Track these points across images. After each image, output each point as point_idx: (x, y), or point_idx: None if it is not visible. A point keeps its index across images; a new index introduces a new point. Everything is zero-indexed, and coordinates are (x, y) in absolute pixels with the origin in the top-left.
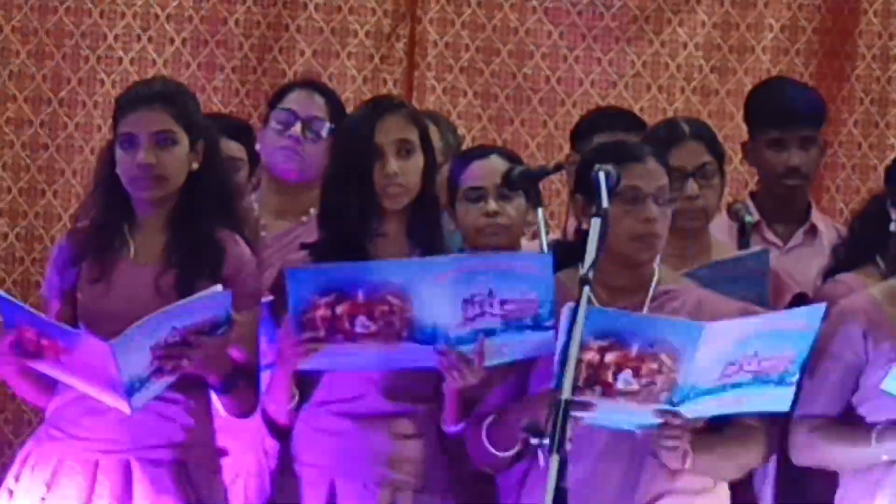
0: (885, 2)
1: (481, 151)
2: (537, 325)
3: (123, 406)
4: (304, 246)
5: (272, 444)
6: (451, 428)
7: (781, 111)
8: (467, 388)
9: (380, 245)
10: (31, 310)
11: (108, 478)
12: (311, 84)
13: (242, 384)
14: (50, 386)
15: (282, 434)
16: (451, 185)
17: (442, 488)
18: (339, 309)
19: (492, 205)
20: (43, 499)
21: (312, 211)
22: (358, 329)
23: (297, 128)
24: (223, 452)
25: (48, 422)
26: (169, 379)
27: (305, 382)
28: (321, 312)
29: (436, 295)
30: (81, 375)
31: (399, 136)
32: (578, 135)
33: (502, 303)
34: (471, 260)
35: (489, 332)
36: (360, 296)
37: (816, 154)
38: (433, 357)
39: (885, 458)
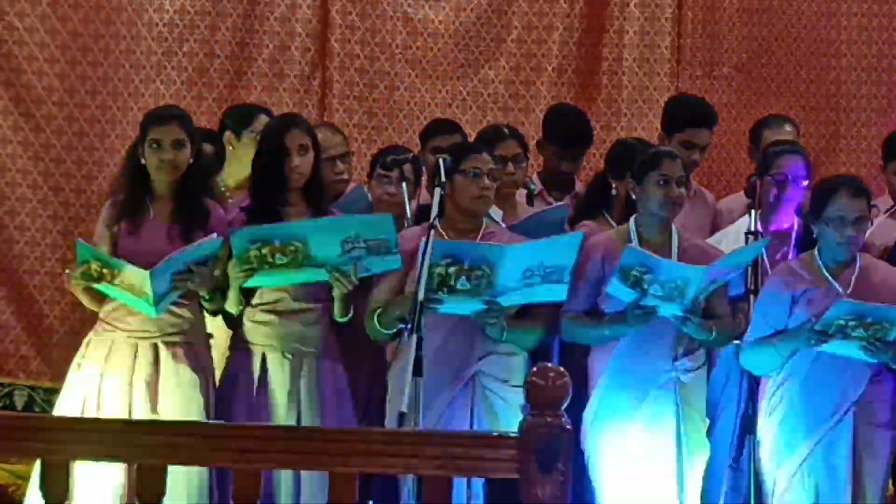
0: (617, 58)
1: (394, 153)
2: (389, 252)
3: (151, 311)
4: (242, 209)
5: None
6: (340, 318)
7: (568, 132)
8: (348, 292)
9: (288, 211)
10: (102, 251)
11: (144, 355)
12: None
13: (219, 295)
14: (100, 298)
15: (233, 324)
16: (372, 165)
17: (334, 356)
18: (265, 250)
19: (391, 187)
20: (101, 366)
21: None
22: (277, 262)
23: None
24: (210, 336)
25: (102, 320)
26: (178, 293)
27: (248, 292)
28: (253, 253)
29: (323, 239)
30: (127, 292)
31: (299, 141)
32: (423, 137)
33: (365, 241)
34: (344, 219)
35: (359, 258)
36: (276, 242)
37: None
38: (325, 274)
39: (607, 332)
